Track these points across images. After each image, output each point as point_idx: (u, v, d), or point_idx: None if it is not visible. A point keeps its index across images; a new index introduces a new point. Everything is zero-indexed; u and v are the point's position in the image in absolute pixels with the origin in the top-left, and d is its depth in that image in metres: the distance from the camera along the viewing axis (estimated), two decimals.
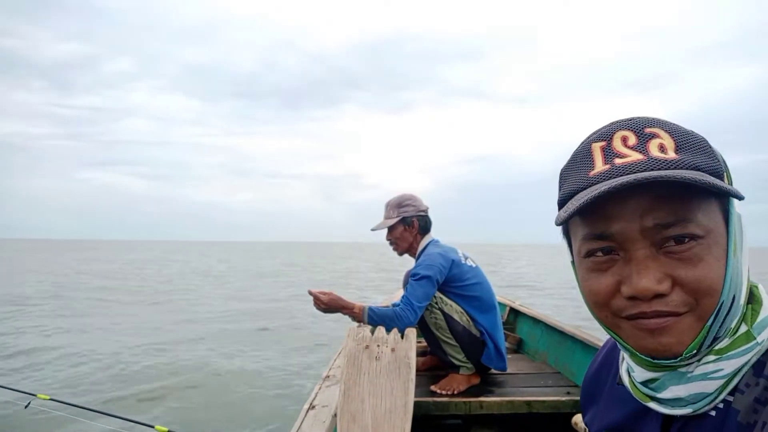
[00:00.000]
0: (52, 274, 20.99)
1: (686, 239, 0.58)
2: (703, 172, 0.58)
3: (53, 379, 6.28)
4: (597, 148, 0.63)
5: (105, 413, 2.86)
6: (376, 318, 2.48)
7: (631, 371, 0.68)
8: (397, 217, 2.75)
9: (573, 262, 0.69)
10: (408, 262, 2.89)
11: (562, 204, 0.65)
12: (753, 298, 0.64)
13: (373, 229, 2.83)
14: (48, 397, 2.87)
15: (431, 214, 2.86)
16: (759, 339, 0.61)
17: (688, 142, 0.60)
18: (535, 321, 3.60)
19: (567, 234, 0.69)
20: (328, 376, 2.41)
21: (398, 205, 2.77)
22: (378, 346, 1.93)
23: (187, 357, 7.28)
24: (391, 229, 2.78)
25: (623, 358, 0.72)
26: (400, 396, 1.76)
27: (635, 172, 0.58)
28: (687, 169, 0.58)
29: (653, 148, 0.60)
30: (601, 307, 0.63)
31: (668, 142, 0.60)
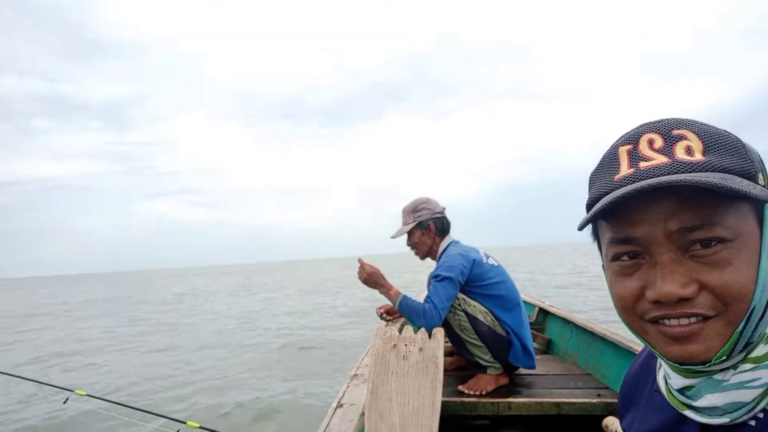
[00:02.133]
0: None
1: (713, 243, 0.57)
2: (731, 173, 0.57)
3: (99, 378, 6.47)
4: (623, 151, 0.63)
5: (138, 409, 2.94)
6: (406, 307, 2.53)
7: (667, 378, 0.67)
8: (413, 222, 2.78)
9: (603, 267, 0.69)
10: (430, 264, 2.89)
11: (589, 208, 0.65)
12: None
13: (392, 237, 2.87)
14: (85, 393, 2.96)
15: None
16: None
17: (717, 143, 0.59)
18: (565, 321, 3.55)
19: (597, 237, 0.69)
20: (356, 375, 2.42)
21: (413, 210, 2.80)
22: (406, 345, 1.93)
23: (223, 363, 7.41)
24: (409, 234, 2.81)
25: (660, 365, 0.71)
26: (427, 395, 1.76)
27: (659, 176, 0.57)
28: (714, 171, 0.57)
29: (679, 151, 0.59)
30: (627, 311, 0.63)
31: (696, 144, 0.59)
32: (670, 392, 0.67)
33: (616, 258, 0.63)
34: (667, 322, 0.59)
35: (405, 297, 2.56)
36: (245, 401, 5.28)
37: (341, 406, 2.02)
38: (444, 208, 2.85)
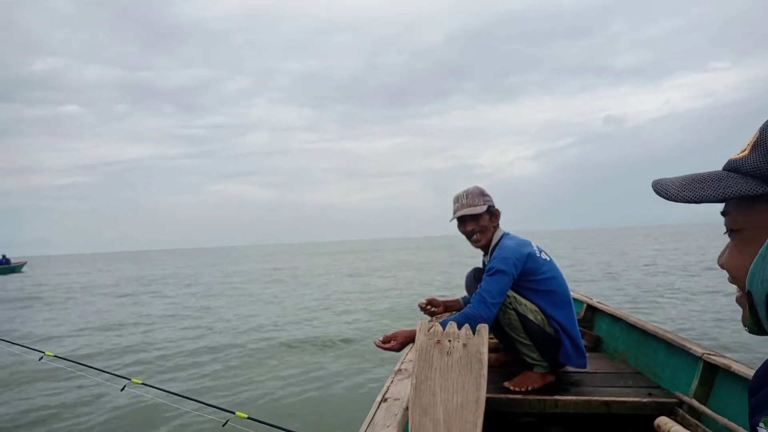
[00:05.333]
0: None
1: (727, 231, 0.70)
2: (739, 173, 0.65)
3: (149, 365, 6.75)
4: None
5: (190, 398, 3.04)
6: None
7: None
8: (483, 204, 2.60)
9: None
10: (468, 261, 2.79)
11: None
12: None
13: (462, 215, 2.62)
14: (140, 382, 3.09)
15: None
16: None
17: (762, 139, 0.64)
18: (615, 319, 3.45)
19: None
20: (400, 370, 2.43)
21: (482, 193, 2.63)
22: (449, 341, 1.92)
23: (272, 350, 7.58)
24: (477, 217, 2.61)
25: None
26: (471, 391, 1.75)
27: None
28: (729, 170, 0.66)
29: (748, 145, 0.66)
30: None
31: (755, 139, 0.65)
32: None
33: None
34: None
35: (443, 322, 2.44)
36: (295, 392, 5.39)
37: (385, 400, 2.03)
38: None
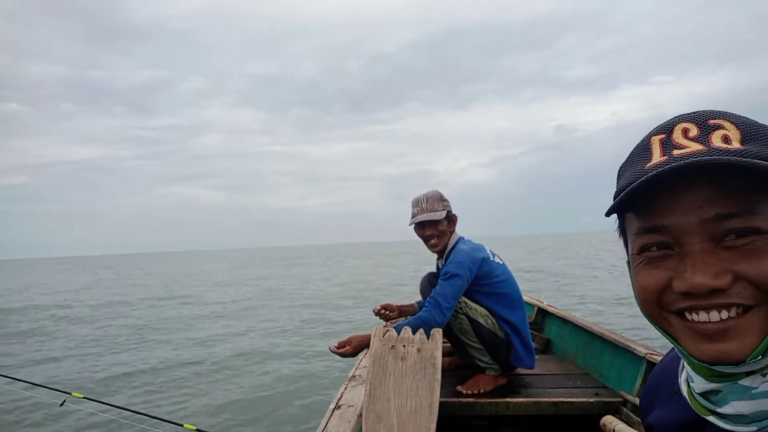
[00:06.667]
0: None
1: (750, 233, 0.53)
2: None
3: (92, 378, 6.44)
4: (656, 141, 0.60)
5: (135, 411, 2.92)
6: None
7: (690, 381, 0.64)
8: (443, 210, 2.64)
9: (628, 262, 0.65)
10: (423, 266, 2.82)
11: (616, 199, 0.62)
12: None
13: (421, 220, 2.64)
14: (82, 396, 2.94)
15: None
16: None
17: (756, 133, 0.56)
18: (564, 321, 3.55)
19: (623, 232, 0.65)
20: (354, 376, 2.41)
21: (441, 198, 2.67)
22: (404, 346, 1.92)
23: (219, 358, 7.39)
24: (436, 223, 2.64)
25: (683, 367, 0.67)
26: (425, 396, 1.75)
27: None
28: (753, 159, 0.53)
29: (715, 139, 0.56)
30: (649, 302, 0.59)
31: (733, 134, 0.56)
32: (693, 396, 0.64)
33: (643, 249, 0.59)
34: (696, 316, 0.55)
35: (397, 327, 2.33)
36: (244, 400, 5.27)
37: (339, 407, 2.01)
38: None
